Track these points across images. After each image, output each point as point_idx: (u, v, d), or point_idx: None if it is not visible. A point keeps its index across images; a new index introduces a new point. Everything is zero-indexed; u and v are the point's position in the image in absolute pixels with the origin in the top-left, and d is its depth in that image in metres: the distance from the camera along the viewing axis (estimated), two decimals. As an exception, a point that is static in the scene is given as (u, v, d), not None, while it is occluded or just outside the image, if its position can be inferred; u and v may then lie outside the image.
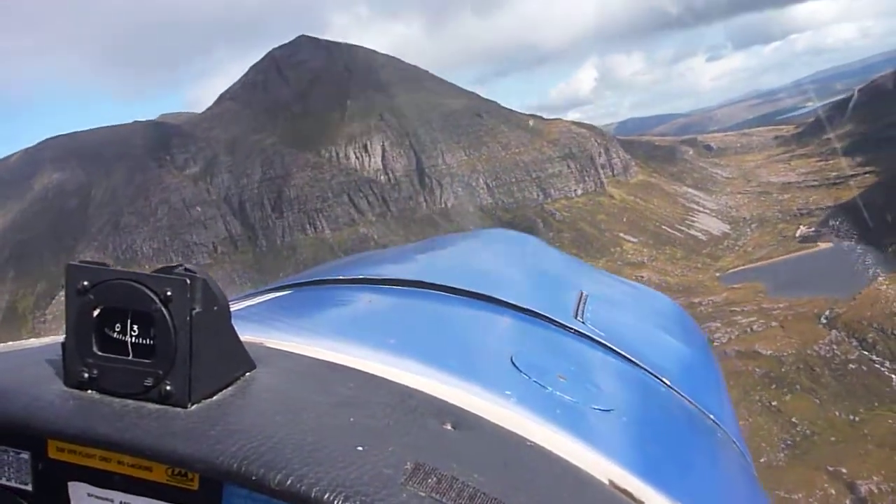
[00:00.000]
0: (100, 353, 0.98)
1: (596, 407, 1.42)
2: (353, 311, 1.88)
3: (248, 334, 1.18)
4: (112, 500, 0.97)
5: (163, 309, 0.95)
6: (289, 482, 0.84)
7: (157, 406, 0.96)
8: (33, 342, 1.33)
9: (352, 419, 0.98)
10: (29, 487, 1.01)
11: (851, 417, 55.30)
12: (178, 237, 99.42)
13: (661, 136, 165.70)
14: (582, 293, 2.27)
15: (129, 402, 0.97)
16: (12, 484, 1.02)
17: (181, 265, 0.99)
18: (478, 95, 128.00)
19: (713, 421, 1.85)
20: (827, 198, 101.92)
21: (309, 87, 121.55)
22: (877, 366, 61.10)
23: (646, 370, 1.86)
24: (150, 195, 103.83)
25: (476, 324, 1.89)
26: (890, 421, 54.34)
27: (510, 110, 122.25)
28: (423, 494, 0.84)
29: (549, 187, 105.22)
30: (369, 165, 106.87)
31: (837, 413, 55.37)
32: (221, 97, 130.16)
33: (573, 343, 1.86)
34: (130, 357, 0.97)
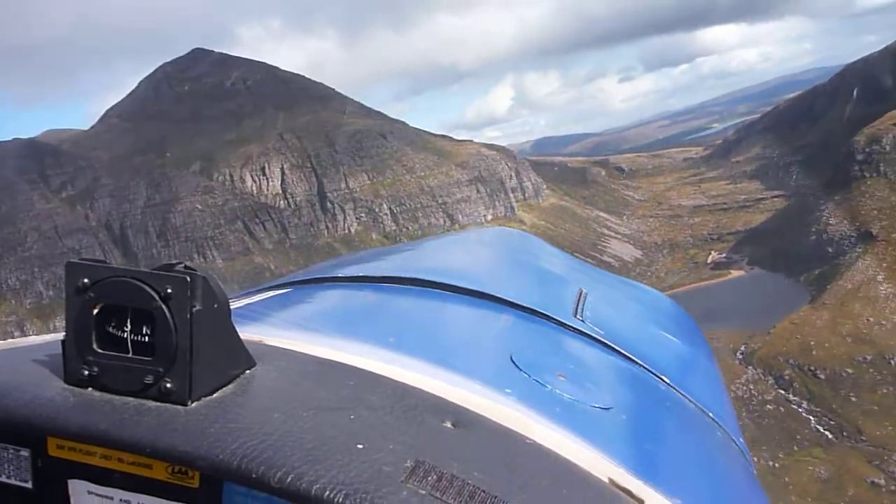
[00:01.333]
0: (100, 351, 0.98)
1: (595, 405, 1.42)
2: (353, 309, 1.90)
3: (248, 332, 1.19)
4: (112, 498, 0.97)
5: (163, 306, 0.95)
6: (289, 480, 0.84)
7: (158, 404, 0.96)
8: (33, 339, 1.33)
9: (352, 417, 0.99)
10: (29, 485, 1.01)
11: (771, 464, 52.26)
12: (48, 268, 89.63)
13: (574, 157, 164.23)
14: (581, 291, 2.29)
15: (130, 399, 0.97)
16: (12, 481, 1.02)
17: (181, 263, 0.99)
18: (384, 115, 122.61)
19: (712, 419, 1.86)
20: (737, 221, 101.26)
21: (203, 104, 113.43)
22: (794, 406, 58.56)
23: (645, 368, 1.88)
24: (19, 221, 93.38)
25: (476, 322, 1.91)
26: (810, 467, 51.61)
27: (419, 131, 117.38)
28: (423, 492, 0.85)
29: (457, 213, 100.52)
30: (267, 189, 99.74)
31: (756, 459, 51.99)
32: (107, 114, 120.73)
33: (573, 341, 1.87)
34: (130, 355, 0.98)
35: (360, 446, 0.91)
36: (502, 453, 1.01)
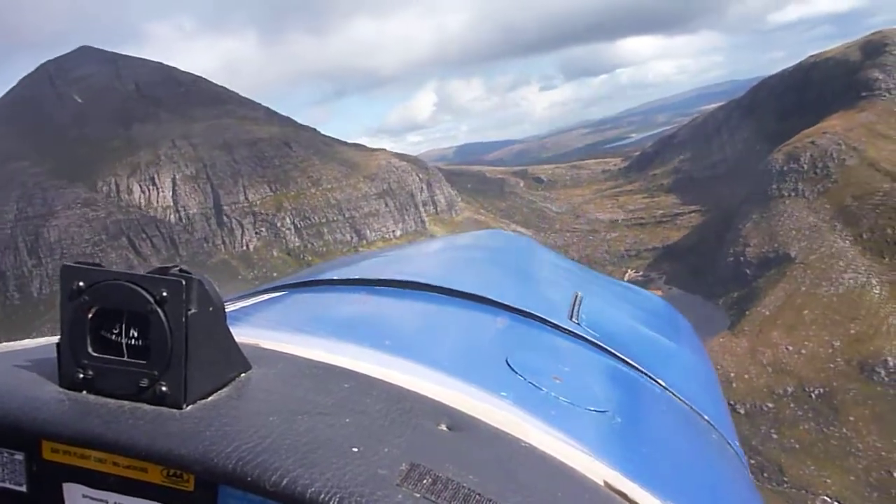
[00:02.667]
0: (94, 354, 0.98)
1: (591, 408, 1.43)
2: (349, 312, 1.91)
3: (243, 335, 1.18)
4: (107, 502, 0.97)
5: (158, 310, 0.95)
6: (284, 483, 0.84)
7: (152, 407, 0.96)
8: (28, 343, 1.33)
9: (347, 420, 0.99)
10: (24, 489, 1.00)
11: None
12: None
13: (493, 167, 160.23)
14: (577, 294, 2.31)
15: (124, 403, 0.97)
16: (7, 485, 1.01)
17: (176, 266, 0.99)
18: (293, 122, 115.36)
19: (708, 422, 1.88)
20: (654, 238, 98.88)
21: (88, 106, 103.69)
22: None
23: (641, 371, 1.89)
24: None
25: (471, 325, 1.92)
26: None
27: (329, 140, 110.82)
28: (418, 495, 0.84)
29: (365, 228, 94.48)
30: (157, 202, 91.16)
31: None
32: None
33: (568, 344, 1.89)
34: (125, 358, 0.98)
35: (356, 450, 0.90)
36: (498, 456, 1.01)
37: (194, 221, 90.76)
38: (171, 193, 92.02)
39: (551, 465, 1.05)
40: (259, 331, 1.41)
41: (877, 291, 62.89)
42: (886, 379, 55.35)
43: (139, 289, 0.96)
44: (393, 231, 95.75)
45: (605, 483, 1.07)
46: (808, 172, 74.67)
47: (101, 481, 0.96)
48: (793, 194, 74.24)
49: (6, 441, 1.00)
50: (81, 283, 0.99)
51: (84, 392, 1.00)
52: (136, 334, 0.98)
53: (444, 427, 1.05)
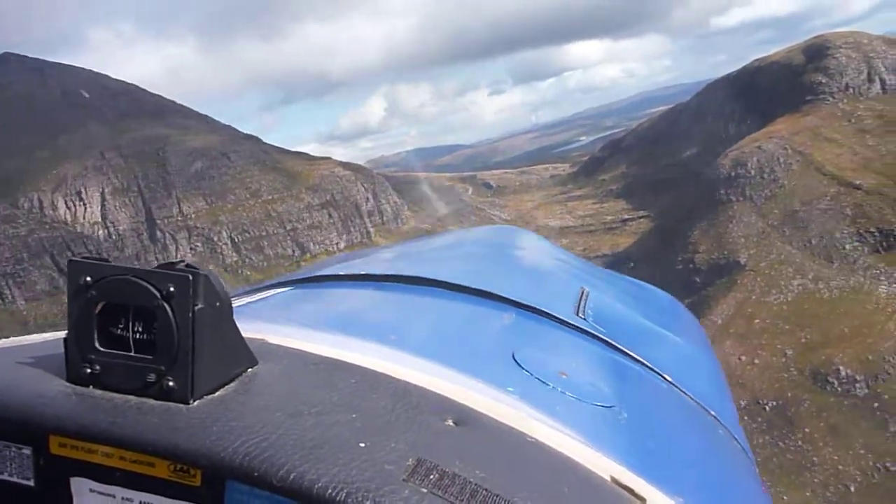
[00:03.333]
0: (102, 349, 0.99)
1: (597, 403, 1.44)
2: (355, 308, 1.92)
3: (250, 330, 1.18)
4: (114, 496, 0.97)
5: (165, 305, 0.96)
6: (291, 478, 0.84)
7: (159, 402, 0.97)
8: (35, 338, 1.34)
9: (354, 415, 0.99)
10: (31, 483, 1.01)
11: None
12: None
13: (442, 172, 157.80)
14: (583, 290, 2.33)
15: (131, 398, 0.98)
16: (14, 479, 1.01)
17: (182, 261, 1.00)
18: (234, 131, 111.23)
19: (714, 417, 1.89)
20: (603, 244, 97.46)
21: (10, 116, 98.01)
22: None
23: (647, 366, 1.91)
24: None
25: (478, 320, 1.92)
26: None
27: (271, 148, 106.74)
28: (424, 490, 0.84)
29: (308, 241, 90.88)
30: (84, 217, 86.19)
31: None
32: None
33: (575, 339, 1.90)
34: (132, 353, 0.98)
35: (362, 445, 0.90)
36: (504, 451, 1.01)
37: (125, 237, 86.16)
38: (99, 208, 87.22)
39: (558, 461, 1.05)
40: (266, 326, 1.41)
41: (826, 297, 62.08)
42: (839, 389, 54.30)
43: (146, 284, 0.96)
44: (337, 243, 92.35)
45: (612, 478, 1.06)
46: (755, 177, 73.89)
47: (108, 476, 0.96)
48: (741, 199, 73.36)
49: (14, 436, 1.00)
50: (88, 279, 0.99)
51: (91, 387, 1.00)
52: (142, 329, 0.98)
53: (450, 422, 1.05)
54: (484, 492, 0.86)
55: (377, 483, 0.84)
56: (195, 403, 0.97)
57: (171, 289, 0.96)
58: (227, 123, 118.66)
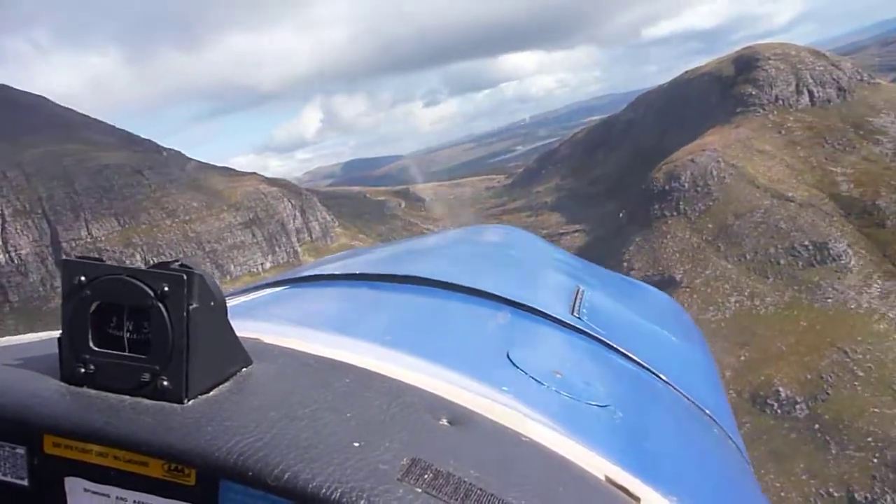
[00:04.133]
0: (96, 349, 0.99)
1: (592, 403, 1.44)
2: (350, 307, 1.93)
3: (244, 330, 1.19)
4: (108, 496, 0.97)
5: (159, 304, 0.95)
6: (285, 478, 0.84)
7: (154, 402, 0.96)
8: (30, 337, 1.34)
9: (348, 415, 0.99)
10: (25, 482, 1.00)
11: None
12: None
13: (374, 187, 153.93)
14: (579, 289, 2.33)
15: (126, 397, 0.97)
16: (8, 479, 1.01)
17: (177, 260, 1.00)
18: (155, 145, 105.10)
19: (709, 417, 1.89)
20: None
21: None
22: None
23: (642, 366, 1.91)
24: None
25: (472, 319, 1.92)
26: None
27: (193, 164, 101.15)
28: (419, 490, 0.84)
29: (229, 262, 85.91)
30: (-18, 242, 79.81)
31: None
32: None
33: (570, 339, 1.90)
34: (127, 352, 0.98)
35: (357, 444, 0.90)
36: (499, 451, 1.01)
37: (27, 262, 79.74)
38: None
39: (552, 460, 1.04)
40: (260, 325, 1.40)
41: (762, 314, 60.82)
42: (779, 411, 52.80)
43: (141, 283, 0.96)
44: (262, 264, 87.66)
45: (607, 478, 1.06)
46: (689, 191, 72.64)
47: (103, 475, 0.96)
48: (675, 214, 71.97)
49: (8, 435, 1.00)
50: (83, 278, 0.98)
51: (85, 386, 1.00)
52: (137, 329, 0.98)
53: (445, 422, 1.05)
54: (478, 491, 0.86)
55: (372, 482, 0.84)
56: (189, 403, 0.96)
57: (166, 288, 0.95)
58: (148, 137, 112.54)
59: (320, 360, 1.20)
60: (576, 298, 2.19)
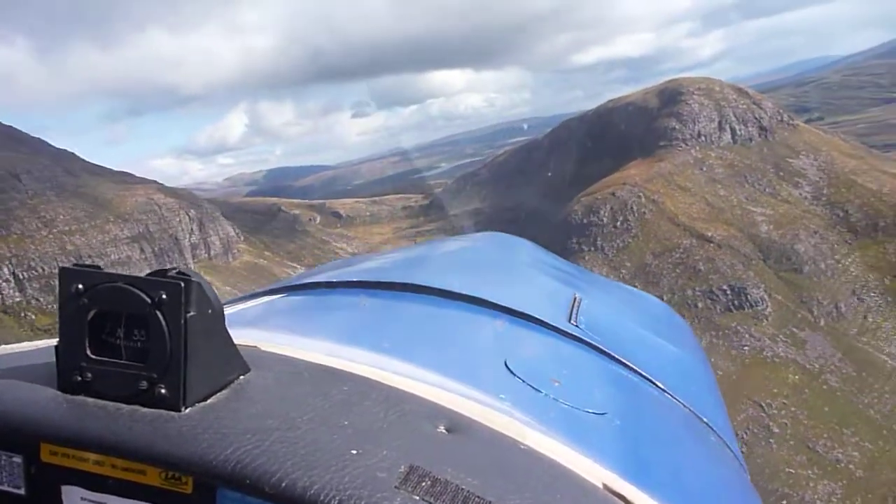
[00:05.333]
0: (93, 357, 0.99)
1: (590, 410, 1.44)
2: (348, 315, 1.92)
3: (242, 338, 1.19)
4: None
5: (156, 312, 0.95)
6: (283, 486, 0.84)
7: (151, 410, 0.96)
8: (27, 345, 1.33)
9: (346, 423, 0.99)
10: (22, 491, 1.00)
11: None
12: None
13: (289, 200, 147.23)
14: (576, 297, 2.33)
15: (123, 405, 0.97)
16: (5, 488, 1.01)
17: (175, 268, 1.00)
18: (44, 145, 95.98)
19: (707, 425, 1.90)
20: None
21: None
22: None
23: (640, 374, 1.91)
24: None
25: (470, 327, 1.93)
26: None
27: (84, 167, 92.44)
28: (416, 498, 0.85)
29: (111, 280, 78.14)
30: None
31: None
32: None
33: (567, 347, 1.90)
34: (124, 360, 0.98)
35: (354, 452, 0.91)
36: (496, 459, 1.01)
37: None
38: None
39: (550, 468, 1.04)
40: (258, 333, 1.41)
41: (678, 359, 57.87)
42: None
43: (138, 291, 0.96)
44: (148, 282, 79.99)
45: (604, 485, 1.07)
46: (607, 226, 69.77)
47: (100, 484, 0.96)
48: (592, 250, 68.85)
49: (5, 443, 1.00)
50: (80, 286, 0.98)
51: (83, 395, 1.00)
52: (134, 337, 0.98)
53: (442, 429, 1.05)
54: (476, 499, 0.86)
55: (369, 490, 0.84)
56: (187, 411, 0.96)
57: (163, 296, 0.95)
58: (39, 137, 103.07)
59: (318, 368, 1.19)
60: (573, 306, 2.19)
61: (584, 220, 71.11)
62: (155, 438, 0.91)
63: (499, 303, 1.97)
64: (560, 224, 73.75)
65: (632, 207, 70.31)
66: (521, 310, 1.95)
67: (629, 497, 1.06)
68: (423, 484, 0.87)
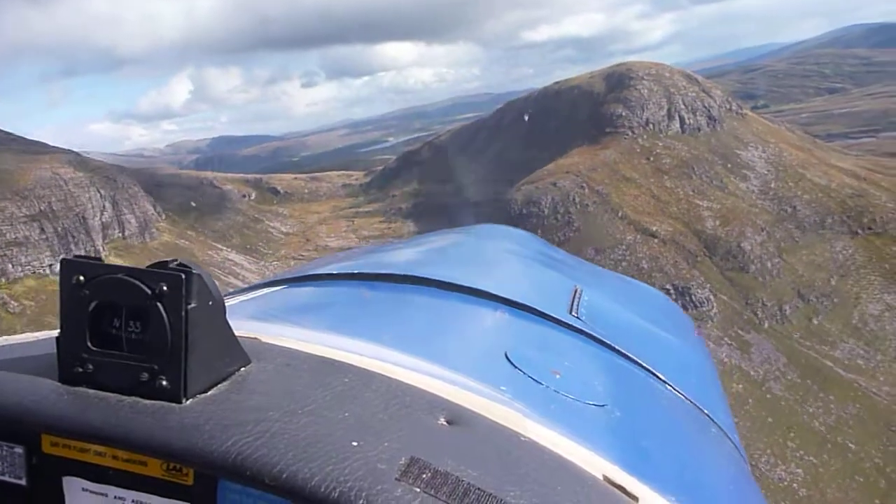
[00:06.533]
0: (94, 349, 0.99)
1: (590, 402, 1.45)
2: (349, 306, 1.95)
3: (243, 329, 1.20)
4: (106, 495, 0.98)
5: (157, 304, 0.96)
6: (283, 477, 0.84)
7: (152, 401, 0.97)
8: (28, 336, 1.34)
9: (346, 414, 0.99)
10: (23, 482, 1.01)
11: None
12: None
13: (223, 174, 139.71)
14: (577, 288, 2.34)
15: (124, 397, 0.98)
16: (6, 478, 1.02)
17: (176, 260, 1.00)
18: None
19: (707, 416, 1.91)
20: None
21: None
22: None
23: (640, 365, 1.93)
24: None
25: (471, 319, 1.94)
26: None
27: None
28: (417, 489, 0.84)
29: (6, 261, 71.04)
30: None
31: None
32: None
33: (568, 338, 1.91)
34: (125, 352, 0.98)
35: (355, 444, 0.91)
36: (497, 450, 1.01)
37: None
38: None
39: (550, 459, 1.04)
40: (259, 325, 1.41)
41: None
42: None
43: (139, 283, 0.96)
44: (50, 265, 73.04)
45: (605, 477, 1.06)
46: (549, 218, 65.82)
47: (101, 475, 0.97)
48: (532, 242, 64.52)
49: (6, 435, 1.00)
50: (81, 278, 0.98)
51: (84, 386, 1.00)
52: (135, 328, 0.98)
53: (443, 421, 1.05)
54: (477, 491, 0.86)
55: (370, 482, 0.84)
56: (188, 402, 0.96)
57: (164, 288, 0.95)
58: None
59: (319, 360, 1.19)
60: (574, 298, 2.19)
61: (524, 211, 67.11)
62: (156, 430, 0.91)
63: (499, 294, 1.96)
64: (498, 213, 69.50)
65: (573, 199, 66.46)
66: (521, 301, 1.95)
67: (629, 488, 1.05)
68: (424, 475, 0.86)
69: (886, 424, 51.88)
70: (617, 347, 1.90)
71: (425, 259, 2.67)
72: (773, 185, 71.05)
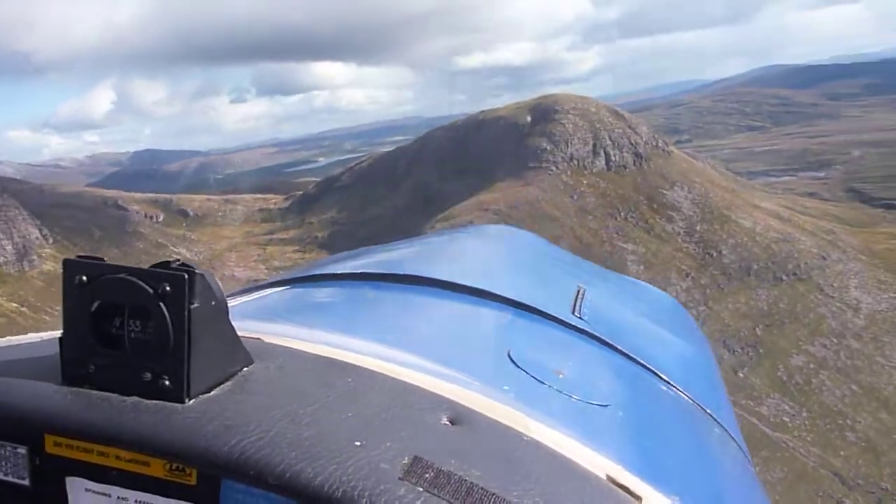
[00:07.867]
0: (97, 349, 0.99)
1: (593, 402, 1.45)
2: (351, 307, 1.94)
3: (245, 330, 1.20)
4: (110, 495, 0.98)
5: (160, 304, 0.96)
6: (287, 477, 0.84)
7: (155, 401, 0.97)
8: (31, 336, 1.34)
9: (349, 414, 0.99)
10: (26, 482, 1.01)
11: None
12: None
13: (131, 193, 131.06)
14: (580, 288, 2.33)
15: (127, 397, 0.98)
16: (10, 479, 1.02)
17: (178, 260, 1.00)
18: None
19: (710, 416, 1.91)
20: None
21: None
22: None
23: (643, 366, 1.92)
24: None
25: (474, 319, 1.94)
26: None
27: None
28: (420, 489, 0.85)
29: None
30: None
31: None
32: None
33: (571, 338, 1.91)
34: (128, 352, 0.99)
35: (358, 443, 0.91)
36: (500, 450, 1.01)
37: None
38: None
39: (553, 459, 1.04)
40: (262, 325, 1.41)
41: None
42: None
43: (141, 283, 0.96)
44: None
45: (608, 476, 1.06)
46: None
47: (104, 475, 0.97)
48: (445, 286, 60.06)
49: (9, 435, 1.00)
50: (84, 278, 0.99)
51: (86, 386, 1.00)
52: (138, 328, 0.98)
53: (446, 421, 1.05)
54: (480, 490, 0.86)
55: (373, 481, 0.84)
56: (190, 402, 0.97)
57: (167, 288, 0.95)
58: None
59: (321, 360, 1.20)
60: (577, 298, 2.19)
61: (439, 250, 62.44)
62: (159, 430, 0.92)
63: (503, 294, 1.96)
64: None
65: (492, 238, 62.26)
66: (525, 301, 1.95)
67: (633, 488, 1.05)
68: (427, 475, 0.86)
69: (815, 491, 48.94)
70: (620, 348, 1.90)
71: (428, 259, 2.60)
72: (698, 228, 68.63)
